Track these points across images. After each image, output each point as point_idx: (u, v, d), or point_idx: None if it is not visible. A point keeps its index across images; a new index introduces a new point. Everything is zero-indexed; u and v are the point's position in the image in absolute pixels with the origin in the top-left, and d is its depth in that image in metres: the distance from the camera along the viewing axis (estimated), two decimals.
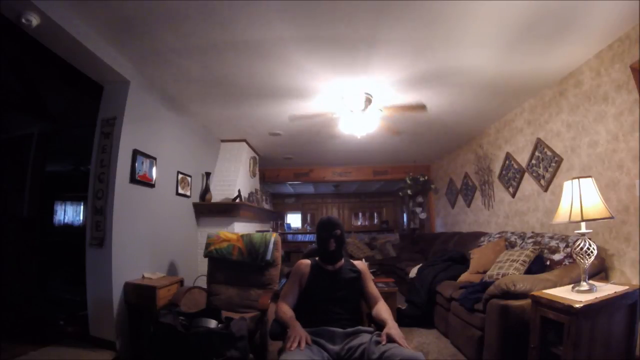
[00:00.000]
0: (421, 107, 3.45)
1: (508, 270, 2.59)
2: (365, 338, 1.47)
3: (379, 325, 1.61)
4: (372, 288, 1.80)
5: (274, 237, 2.86)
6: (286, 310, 1.66)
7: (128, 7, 1.95)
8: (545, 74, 2.84)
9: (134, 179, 2.70)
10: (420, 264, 4.18)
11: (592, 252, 1.85)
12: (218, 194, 4.15)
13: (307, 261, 1.86)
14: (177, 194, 3.49)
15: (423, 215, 6.75)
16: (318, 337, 1.50)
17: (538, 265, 2.56)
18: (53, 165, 4.17)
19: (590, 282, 1.94)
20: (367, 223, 10.60)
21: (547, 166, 3.15)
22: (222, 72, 2.77)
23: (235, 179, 4.44)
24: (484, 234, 4.00)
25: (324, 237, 1.77)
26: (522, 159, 3.58)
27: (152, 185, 2.96)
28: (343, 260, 1.83)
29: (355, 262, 1.85)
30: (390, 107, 3.36)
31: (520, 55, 2.53)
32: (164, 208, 3.21)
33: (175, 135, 3.45)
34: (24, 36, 2.00)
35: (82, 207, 4.98)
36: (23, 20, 1.81)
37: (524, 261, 2.59)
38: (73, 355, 2.27)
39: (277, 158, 5.95)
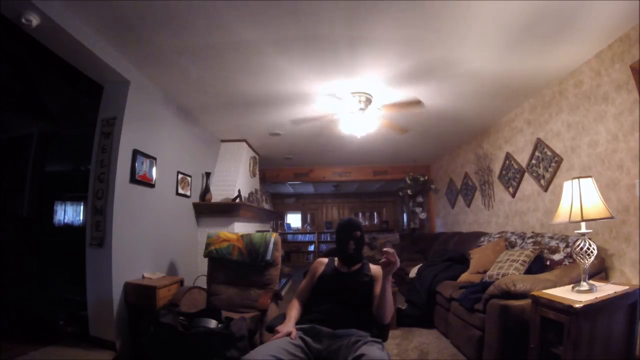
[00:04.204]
0: (416, 102, 3.42)
1: (508, 270, 2.59)
2: (352, 340, 1.44)
3: (380, 326, 1.60)
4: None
5: (274, 237, 2.86)
6: (292, 307, 1.70)
7: (128, 7, 1.95)
8: (545, 74, 2.84)
9: (134, 179, 2.70)
10: (420, 264, 4.19)
11: (592, 252, 1.85)
12: (218, 194, 4.14)
13: (325, 259, 1.86)
14: (177, 194, 3.49)
15: (423, 215, 6.75)
16: (306, 334, 1.50)
17: (538, 265, 2.56)
18: (53, 165, 4.16)
19: (590, 282, 1.94)
20: (367, 223, 10.60)
21: (547, 166, 3.15)
22: (222, 72, 2.76)
23: (235, 179, 4.44)
24: (484, 234, 4.00)
25: (343, 238, 1.75)
26: (522, 159, 3.58)
27: (152, 185, 2.96)
28: (361, 264, 1.79)
29: (372, 267, 1.77)
30: (388, 105, 3.35)
31: (520, 55, 2.53)
32: (164, 208, 3.21)
33: (175, 135, 3.45)
34: (24, 36, 2.00)
35: (82, 207, 4.97)
36: (23, 20, 1.81)
37: (524, 261, 2.59)
38: (73, 355, 2.27)
39: (277, 158, 5.94)
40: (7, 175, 3.51)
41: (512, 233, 3.36)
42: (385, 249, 1.47)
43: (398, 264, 1.46)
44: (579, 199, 1.91)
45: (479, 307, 2.37)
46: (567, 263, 2.42)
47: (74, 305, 2.79)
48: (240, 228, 4.10)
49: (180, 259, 3.45)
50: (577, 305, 1.63)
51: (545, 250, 2.65)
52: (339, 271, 1.77)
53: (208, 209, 3.97)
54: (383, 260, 1.45)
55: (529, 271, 2.51)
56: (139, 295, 2.50)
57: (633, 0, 1.92)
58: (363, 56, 2.53)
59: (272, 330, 1.58)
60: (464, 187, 5.17)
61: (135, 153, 2.72)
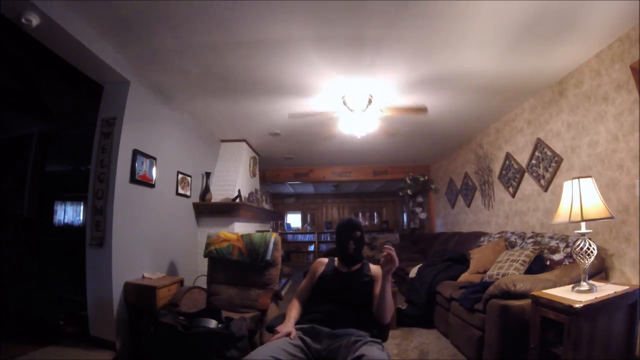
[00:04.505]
0: (422, 109, 3.43)
1: (508, 270, 2.59)
2: (352, 340, 1.44)
3: (380, 326, 1.60)
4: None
5: (274, 237, 2.86)
6: (292, 307, 1.71)
7: (128, 7, 1.95)
8: (545, 74, 2.84)
9: (134, 179, 2.70)
10: (420, 264, 4.18)
11: (592, 252, 1.85)
12: (218, 194, 4.14)
13: (325, 259, 1.87)
14: (177, 194, 3.49)
15: (423, 215, 6.75)
16: (305, 334, 1.50)
17: (538, 265, 2.56)
18: (53, 165, 4.16)
19: (590, 282, 1.94)
20: (367, 223, 10.60)
21: (547, 166, 3.15)
22: (222, 72, 2.76)
23: (235, 179, 4.44)
24: (484, 234, 4.00)
25: (343, 238, 1.76)
26: (522, 159, 3.58)
27: (152, 185, 2.96)
28: (361, 264, 1.78)
29: (372, 267, 1.77)
30: (392, 108, 3.35)
31: (520, 55, 2.52)
32: (164, 208, 3.21)
33: (175, 135, 3.45)
34: (24, 36, 2.00)
35: (82, 207, 4.98)
36: (23, 20, 1.81)
37: (524, 261, 2.59)
38: (73, 355, 2.27)
39: (277, 158, 5.94)
40: (7, 175, 3.51)
41: (512, 233, 3.36)
42: (386, 246, 1.47)
43: (397, 263, 1.45)
44: (579, 199, 1.91)
45: (479, 307, 2.37)
46: (567, 263, 2.42)
47: (74, 305, 2.79)
48: (240, 228, 4.10)
49: (180, 259, 3.45)
50: (577, 305, 1.63)
51: (545, 250, 2.65)
52: (339, 271, 1.77)
53: (208, 209, 3.98)
54: (384, 254, 1.44)
55: (529, 271, 2.51)
56: (139, 295, 2.50)
57: (633, 0, 1.92)
58: (362, 57, 2.52)
59: (272, 330, 1.58)
60: (464, 187, 5.17)
61: (135, 153, 2.72)
